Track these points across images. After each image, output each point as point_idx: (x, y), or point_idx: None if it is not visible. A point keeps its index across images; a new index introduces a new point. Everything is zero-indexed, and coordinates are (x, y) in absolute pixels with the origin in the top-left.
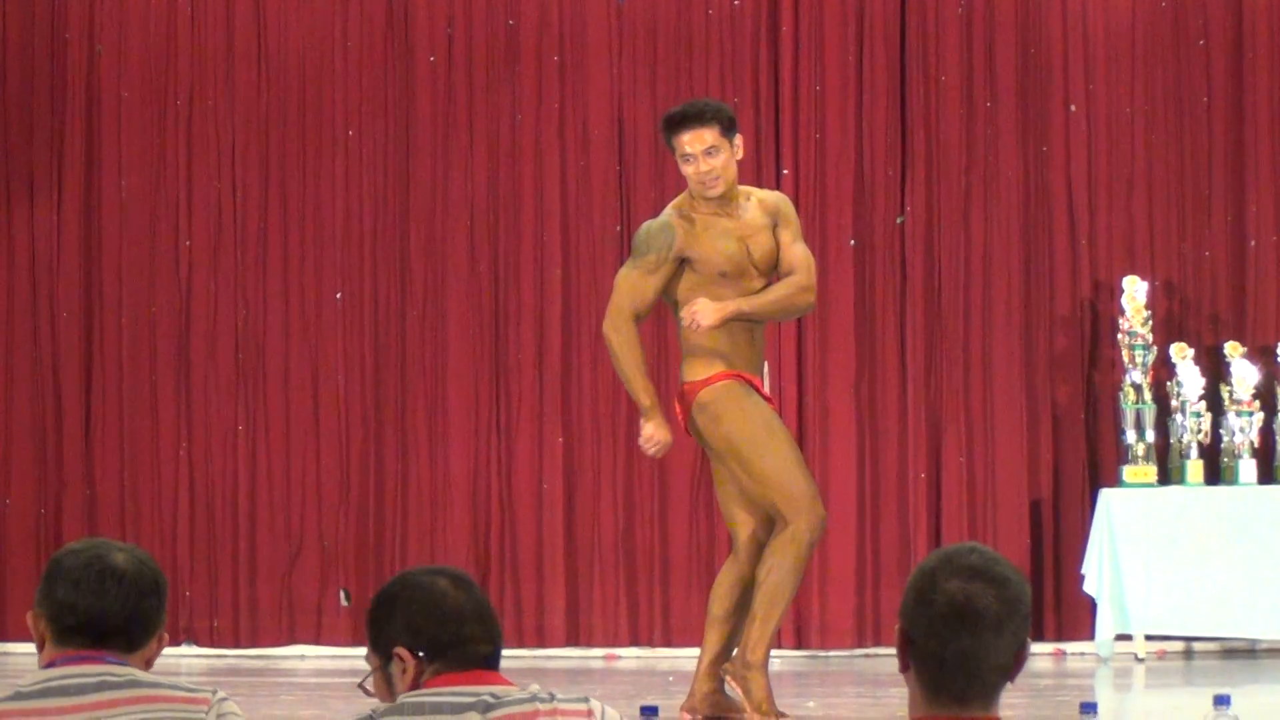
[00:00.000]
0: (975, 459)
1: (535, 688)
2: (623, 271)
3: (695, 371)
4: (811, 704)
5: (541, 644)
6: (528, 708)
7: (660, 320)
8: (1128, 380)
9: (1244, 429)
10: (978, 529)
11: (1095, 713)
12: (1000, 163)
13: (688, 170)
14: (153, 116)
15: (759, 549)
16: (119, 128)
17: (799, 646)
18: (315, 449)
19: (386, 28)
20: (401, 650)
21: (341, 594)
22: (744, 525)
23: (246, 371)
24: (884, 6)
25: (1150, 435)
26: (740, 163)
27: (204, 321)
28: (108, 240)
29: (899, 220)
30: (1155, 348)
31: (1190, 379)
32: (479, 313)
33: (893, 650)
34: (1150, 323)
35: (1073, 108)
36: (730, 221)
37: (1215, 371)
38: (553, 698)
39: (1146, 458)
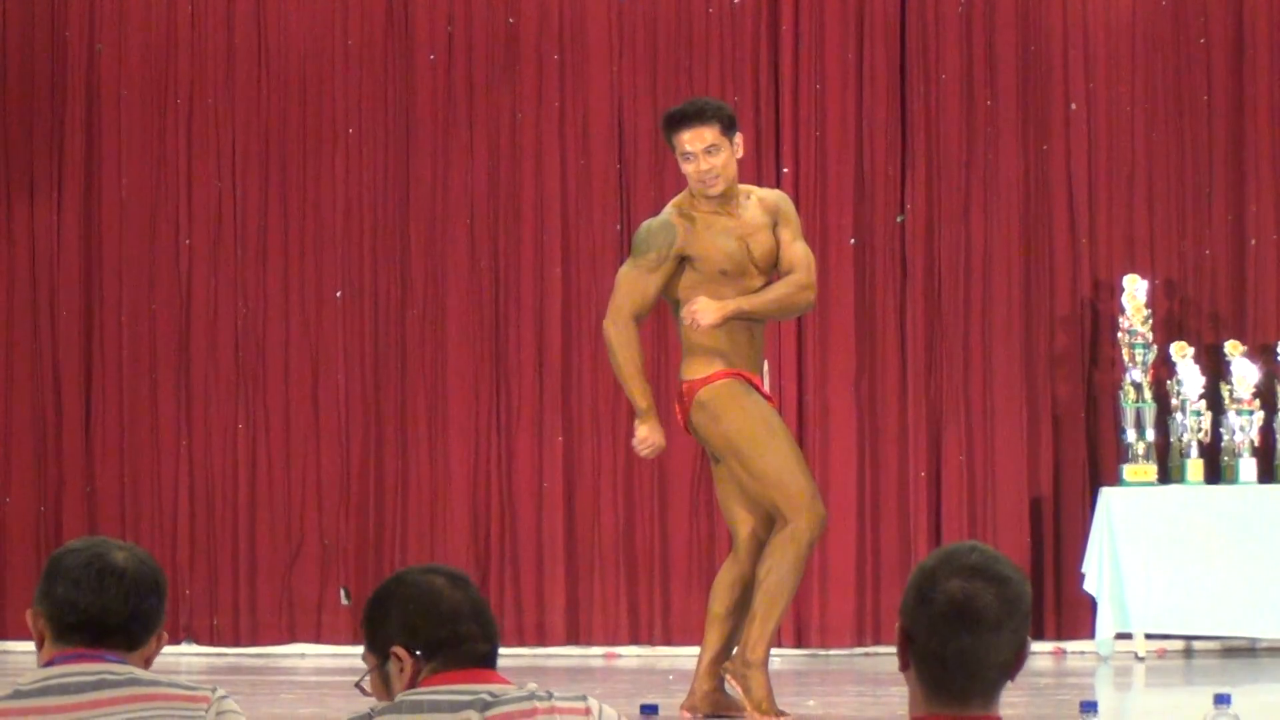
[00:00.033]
0: (975, 457)
1: (533, 686)
2: (623, 270)
3: (695, 370)
4: (812, 703)
5: (541, 642)
6: (525, 706)
7: (660, 319)
8: (1128, 379)
9: (1244, 428)
10: (978, 528)
11: (1095, 712)
12: (1000, 161)
13: (688, 169)
14: (153, 115)
15: (759, 547)
16: (119, 126)
17: (799, 645)
18: (315, 447)
19: (387, 26)
20: (399, 649)
21: (341, 592)
22: (744, 524)
23: (246, 369)
24: (884, 4)
25: (1150, 434)
26: (740, 161)
27: (204, 319)
28: (108, 238)
29: (899, 219)
30: (1155, 346)
31: (1190, 378)
32: (479, 311)
33: (893, 649)
34: (1150, 321)
35: (1073, 106)
36: (730, 220)
37: (1215, 370)
38: (550, 696)
39: (1147, 456)
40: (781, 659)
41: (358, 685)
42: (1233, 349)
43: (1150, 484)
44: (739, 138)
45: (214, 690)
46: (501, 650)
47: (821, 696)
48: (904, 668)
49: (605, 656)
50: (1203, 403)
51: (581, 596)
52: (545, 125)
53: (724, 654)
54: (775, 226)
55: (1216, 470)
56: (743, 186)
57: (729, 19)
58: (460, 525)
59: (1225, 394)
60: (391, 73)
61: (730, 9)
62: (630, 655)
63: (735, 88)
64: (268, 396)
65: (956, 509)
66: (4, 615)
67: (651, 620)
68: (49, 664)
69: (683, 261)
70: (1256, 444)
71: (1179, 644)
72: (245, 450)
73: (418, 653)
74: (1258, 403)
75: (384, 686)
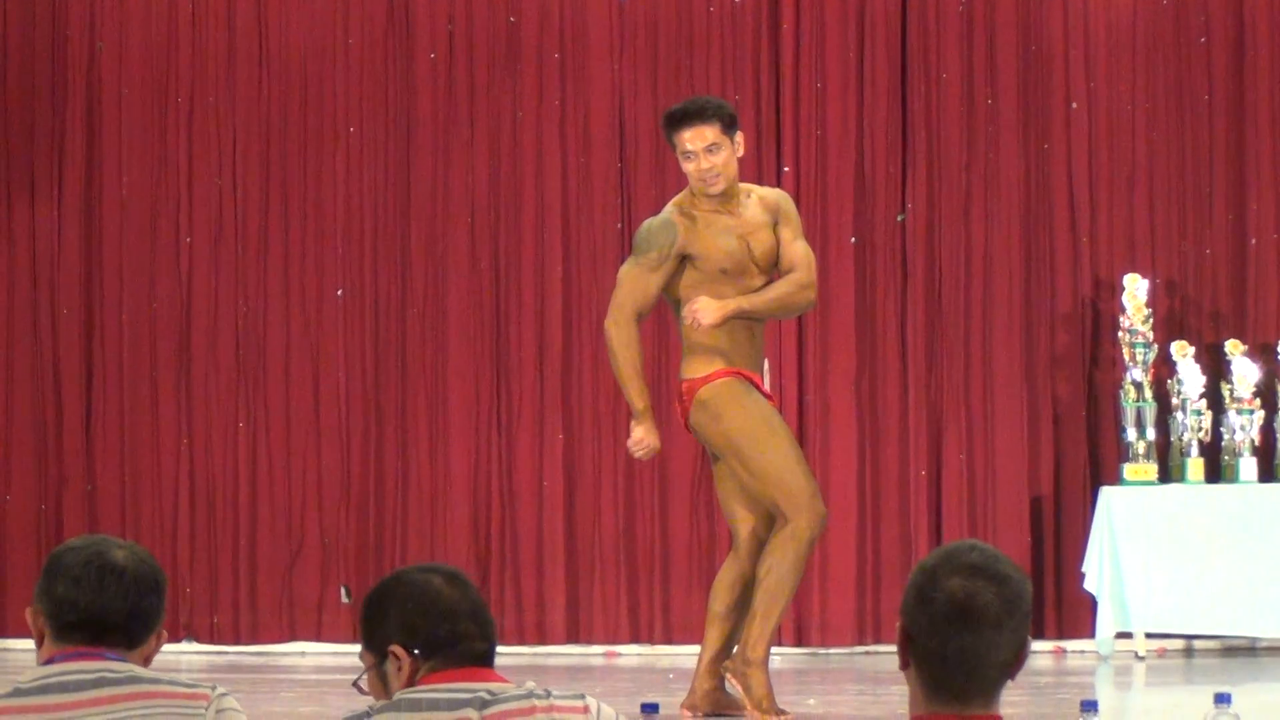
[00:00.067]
0: (976, 457)
1: (531, 685)
2: (625, 268)
3: (695, 369)
4: (812, 701)
5: (542, 641)
6: (524, 704)
7: (661, 318)
8: (1128, 378)
9: (1244, 427)
10: (978, 527)
11: (1096, 711)
12: (1001, 160)
13: (689, 167)
14: (153, 113)
15: (759, 546)
16: (120, 125)
17: (799, 644)
18: (316, 446)
19: (387, 25)
20: (397, 648)
21: (342, 591)
22: (744, 522)
23: (247, 368)
24: (885, 3)
25: (1151, 433)
26: (741, 160)
27: (204, 318)
28: (108, 237)
29: (900, 218)
30: (1156, 345)
31: (1191, 377)
32: (480, 310)
33: (893, 648)
34: (1151, 320)
35: (1074, 105)
36: (731, 219)
37: (1216, 369)
38: (549, 695)
39: (1147, 456)
40: (782, 657)
41: (355, 684)
42: (1233, 348)
43: (1151, 483)
44: (740, 136)
45: (214, 688)
46: (502, 649)
47: (822, 695)
48: (904, 667)
49: (606, 655)
50: (1203, 402)
51: (582, 595)
52: (546, 124)
53: (724, 653)
54: (776, 225)
55: (1217, 469)
56: (743, 185)
57: (730, 18)
58: (461, 524)
59: (1226, 393)
60: (392, 72)
61: (731, 8)
62: (631, 654)
63: (736, 86)
64: (268, 395)
65: (957, 508)
66: (4, 613)
67: (652, 619)
68: (48, 662)
69: (684, 260)
70: (1257, 443)
71: (1179, 643)
72: (246, 449)
73: (416, 651)
74: (1258, 402)
75: (381, 685)
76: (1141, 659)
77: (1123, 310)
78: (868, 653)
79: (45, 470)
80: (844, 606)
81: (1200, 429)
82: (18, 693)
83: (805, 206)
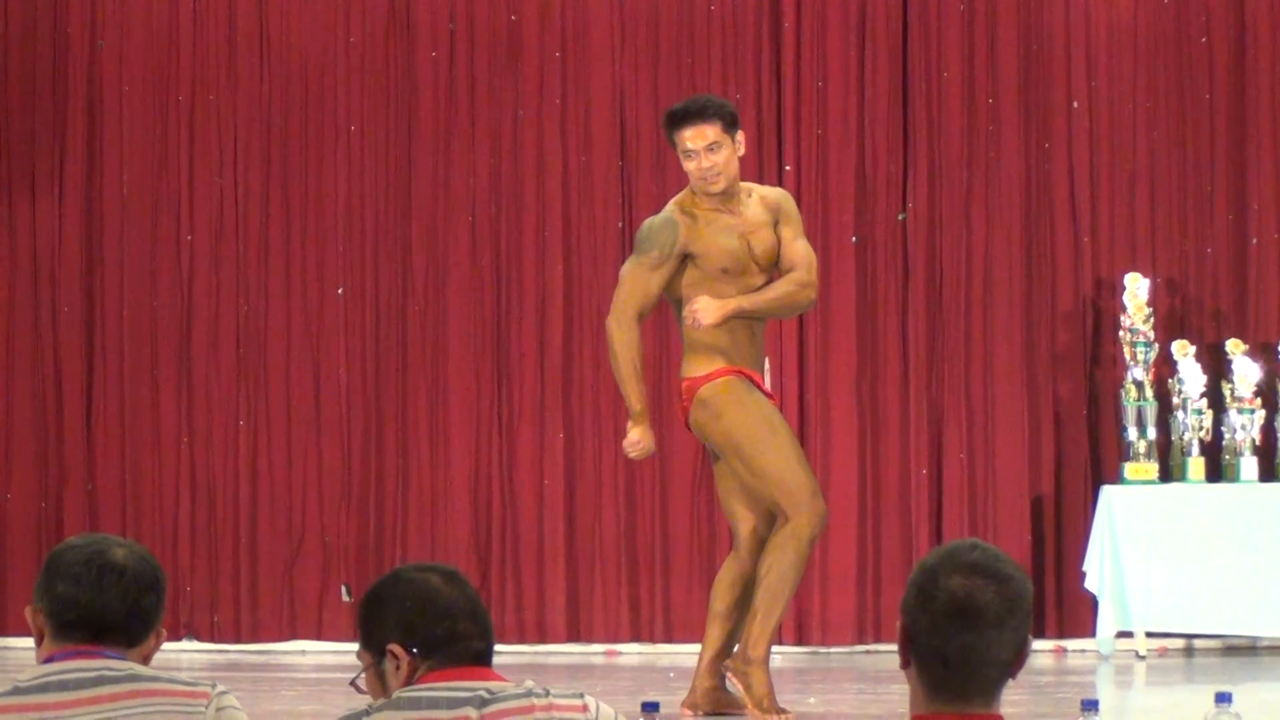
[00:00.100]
0: (976, 456)
1: (530, 684)
2: (626, 267)
3: (696, 367)
4: (812, 700)
5: (542, 640)
6: (523, 703)
7: (661, 317)
8: (1129, 377)
9: (1245, 426)
10: (979, 526)
11: (1096, 710)
12: (1002, 159)
13: (689, 166)
14: (155, 112)
15: (760, 545)
16: (121, 123)
17: (800, 642)
18: (316, 444)
19: (388, 23)
20: (395, 647)
21: (343, 589)
22: (745, 521)
23: (248, 366)
24: (886, 3)
25: (1152, 432)
26: (742, 159)
27: (205, 316)
28: (109, 235)
29: (900, 217)
30: (1157, 344)
31: (1192, 376)
32: (480, 308)
33: (894, 647)
34: (1152, 319)
35: (1075, 104)
36: (732, 218)
37: (1217, 368)
38: (548, 694)
39: (1148, 455)
40: (782, 656)
41: (353, 684)
42: (1234, 347)
43: (1151, 482)
44: (741, 135)
45: (214, 686)
46: (502, 648)
47: (822, 694)
48: (905, 665)
49: (606, 654)
50: (1204, 401)
51: (582, 594)
52: (547, 123)
53: (725, 651)
54: (777, 224)
55: (1218, 469)
56: (744, 184)
57: (731, 16)
58: (461, 522)
59: (1226, 392)
60: (393, 70)
61: (732, 6)
62: (631, 653)
63: (737, 85)
64: (269, 393)
65: (957, 507)
66: (4, 611)
67: (652, 618)
68: (48, 660)
69: (685, 259)
70: (1258, 442)
71: (1180, 642)
72: (246, 447)
73: (414, 650)
74: (1259, 401)
75: (380, 684)
76: (1142, 658)
77: (1124, 309)
78: (868, 652)
79: (46, 469)
80: (844, 605)
81: (1201, 428)
82: (17, 691)
83: (806, 206)
